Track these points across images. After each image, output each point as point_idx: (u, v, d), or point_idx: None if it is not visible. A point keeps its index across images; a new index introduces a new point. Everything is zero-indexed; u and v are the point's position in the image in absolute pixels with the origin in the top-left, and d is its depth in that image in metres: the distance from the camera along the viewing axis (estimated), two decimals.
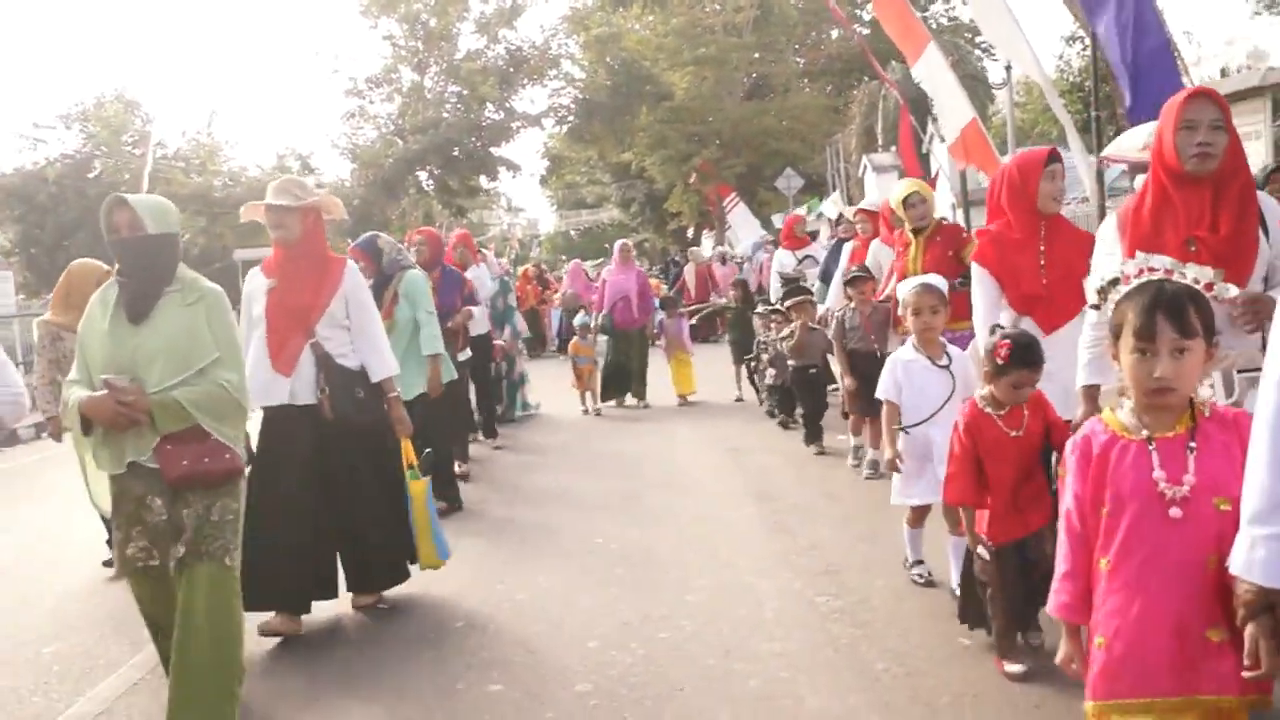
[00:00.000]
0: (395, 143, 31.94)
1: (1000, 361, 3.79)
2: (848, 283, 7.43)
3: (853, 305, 7.31)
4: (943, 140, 12.74)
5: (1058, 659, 2.47)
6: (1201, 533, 2.22)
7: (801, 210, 21.89)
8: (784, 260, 11.47)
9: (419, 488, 5.15)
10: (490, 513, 7.14)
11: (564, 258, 39.73)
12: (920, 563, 4.96)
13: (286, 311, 4.85)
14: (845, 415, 7.80)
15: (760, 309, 10.51)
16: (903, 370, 4.84)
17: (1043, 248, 4.53)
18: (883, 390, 4.89)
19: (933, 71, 11.56)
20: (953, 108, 11.34)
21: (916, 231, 6.67)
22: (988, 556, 3.84)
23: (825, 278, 9.58)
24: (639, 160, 37.96)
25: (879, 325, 7.10)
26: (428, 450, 5.36)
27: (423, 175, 32.66)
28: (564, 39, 34.71)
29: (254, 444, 4.72)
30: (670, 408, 11.70)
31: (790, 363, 8.66)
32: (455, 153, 31.66)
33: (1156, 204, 3.50)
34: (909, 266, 6.59)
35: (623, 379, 11.94)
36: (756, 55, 36.23)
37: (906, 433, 4.76)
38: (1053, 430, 3.94)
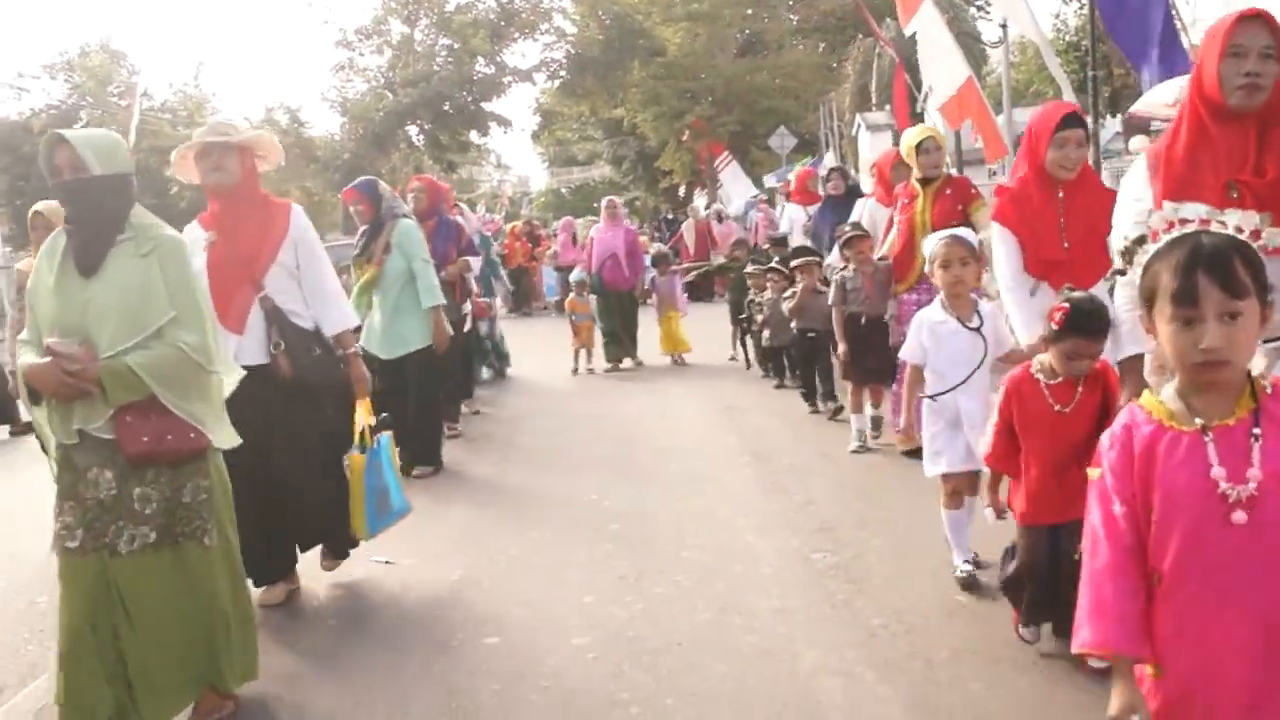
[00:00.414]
0: (385, 96, 31.64)
1: (1055, 327, 3.34)
2: (844, 244, 6.91)
3: (852, 267, 6.83)
4: (931, 94, 12.59)
5: (1112, 711, 1.93)
6: (1275, 538, 1.86)
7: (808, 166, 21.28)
8: (795, 215, 11.10)
9: (357, 461, 4.72)
10: (481, 470, 7.13)
11: (552, 215, 39.51)
12: (967, 560, 4.39)
13: (230, 264, 4.40)
14: (845, 378, 7.25)
15: (750, 268, 10.14)
16: (929, 332, 4.42)
17: (1061, 209, 4.21)
18: (907, 352, 4.52)
19: (928, 28, 11.46)
20: (948, 66, 11.25)
21: (925, 182, 6.33)
22: (991, 520, 3.71)
23: (817, 238, 9.25)
24: (631, 117, 37.69)
25: (880, 286, 6.68)
26: (384, 414, 4.96)
27: (413, 130, 32.41)
28: None
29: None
30: (663, 368, 11.54)
31: (793, 325, 8.27)
32: (446, 107, 31.41)
33: (1192, 142, 3.09)
34: (916, 219, 6.28)
35: (617, 341, 11.64)
36: (750, 11, 35.92)
37: (933, 400, 4.38)
38: (1114, 412, 3.33)
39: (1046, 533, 3.49)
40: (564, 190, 56.60)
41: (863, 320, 6.72)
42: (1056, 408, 3.44)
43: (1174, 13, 8.00)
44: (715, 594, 4.42)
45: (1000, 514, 3.73)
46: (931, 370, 4.42)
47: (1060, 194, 4.24)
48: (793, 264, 8.29)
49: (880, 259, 6.79)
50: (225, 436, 3.54)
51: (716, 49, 35.27)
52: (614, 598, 4.45)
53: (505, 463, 7.31)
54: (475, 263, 8.42)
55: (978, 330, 4.36)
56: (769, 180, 29.93)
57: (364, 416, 4.77)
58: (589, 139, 48.16)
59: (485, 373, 10.67)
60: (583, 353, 11.51)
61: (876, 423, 6.94)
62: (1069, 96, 9.21)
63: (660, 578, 4.65)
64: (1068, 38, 26.25)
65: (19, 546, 5.93)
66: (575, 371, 11.43)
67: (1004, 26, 16.71)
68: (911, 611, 4.08)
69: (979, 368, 4.32)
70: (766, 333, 9.36)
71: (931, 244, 4.54)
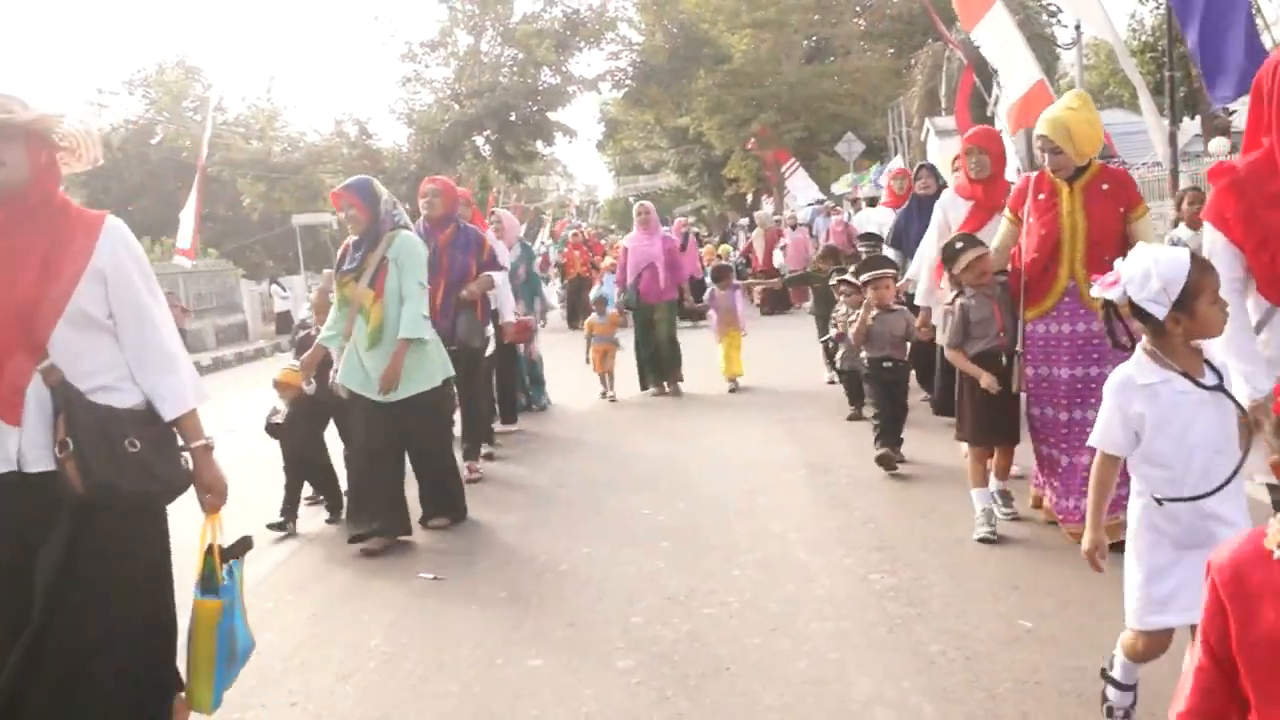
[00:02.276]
0: (451, 107, 31.85)
1: None
2: (951, 260, 5.16)
3: (969, 291, 5.13)
4: (1001, 98, 12.26)
5: None
6: None
7: (897, 164, 19.91)
8: (884, 221, 9.82)
9: (208, 611, 3.07)
10: (534, 484, 7.03)
11: (614, 227, 39.58)
12: None
13: None
14: (963, 438, 5.42)
15: (834, 279, 8.32)
16: (1144, 401, 2.76)
17: None
18: (1104, 437, 2.86)
19: (998, 31, 11.17)
20: (1019, 69, 10.95)
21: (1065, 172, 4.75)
22: None
23: (897, 242, 8.08)
24: (696, 125, 37.68)
25: (1008, 309, 5.06)
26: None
27: (479, 140, 32.59)
28: (621, 1, 34.33)
29: None
30: (715, 392, 10.24)
31: (863, 355, 6.87)
32: (511, 117, 31.51)
33: None
34: (1063, 221, 4.70)
35: (654, 363, 10.36)
36: (816, 17, 35.59)
37: (1159, 503, 2.77)
38: None
39: None
40: (630, 198, 56.81)
41: (1002, 360, 5.05)
42: None
43: (1255, 10, 7.67)
44: (766, 616, 4.26)
45: None
46: (1151, 460, 2.80)
47: None
48: (862, 278, 6.87)
49: (998, 274, 5.20)
50: None
51: (782, 55, 35.08)
52: (662, 618, 4.31)
53: (558, 475, 7.19)
54: (500, 278, 7.35)
55: (1219, 389, 2.75)
56: (837, 187, 29.67)
57: (212, 534, 3.13)
58: (655, 147, 48.29)
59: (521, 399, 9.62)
60: (607, 377, 10.32)
61: (1006, 498, 5.37)
62: (1145, 99, 8.86)
63: (710, 598, 4.50)
64: (1143, 38, 25.63)
65: None
66: (607, 396, 10.27)
67: (1078, 28, 16.34)
68: (973, 637, 3.89)
69: (1247, 452, 2.75)
70: (841, 350, 7.94)
71: (1159, 265, 2.68)
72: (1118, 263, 2.78)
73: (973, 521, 5.04)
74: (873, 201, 18.39)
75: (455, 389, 6.63)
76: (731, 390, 10.22)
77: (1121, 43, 10.46)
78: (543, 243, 26.82)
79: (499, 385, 8.48)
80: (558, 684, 3.76)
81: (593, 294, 10.79)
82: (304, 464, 6.19)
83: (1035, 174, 5.01)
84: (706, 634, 4.12)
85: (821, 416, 8.56)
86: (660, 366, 10.35)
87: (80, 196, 32.44)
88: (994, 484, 5.28)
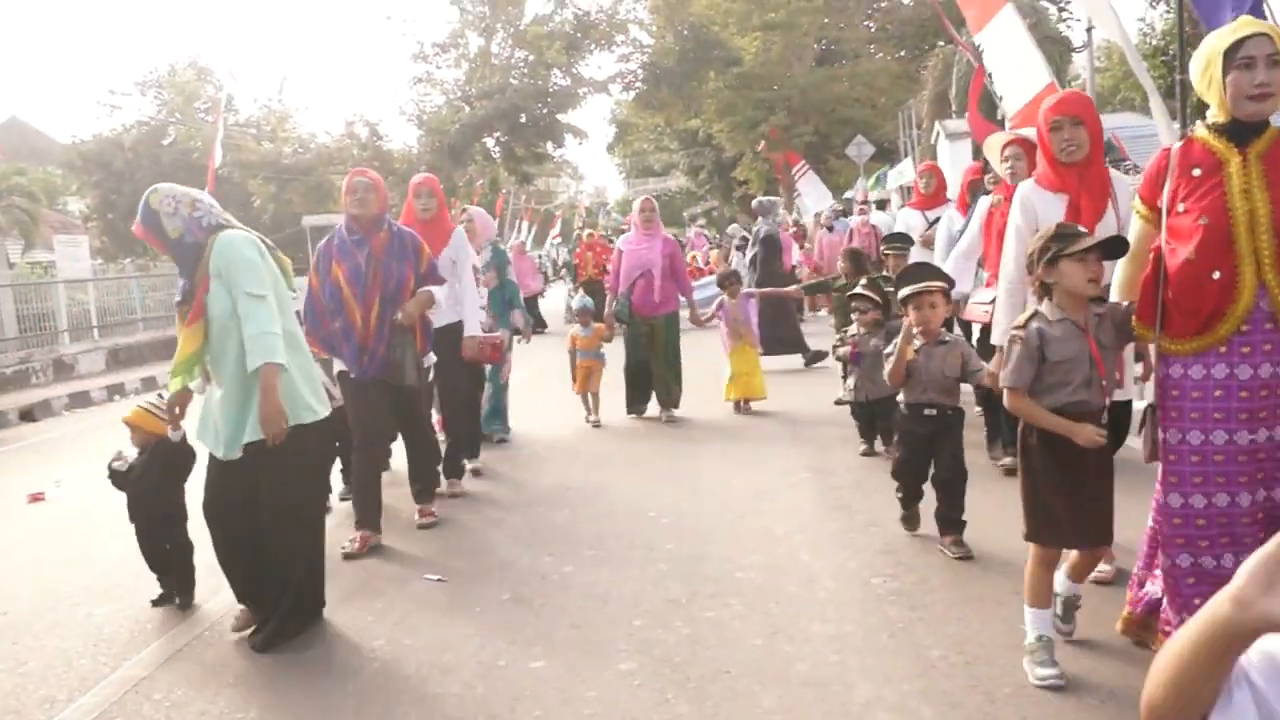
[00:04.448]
0: (462, 109, 31.95)
1: None
2: (1054, 258, 3.39)
3: (1057, 311, 3.43)
4: (1005, 100, 12.20)
5: None
6: None
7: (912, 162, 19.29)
8: (911, 222, 9.06)
9: None
10: (539, 485, 7.05)
11: (624, 226, 39.70)
12: None
13: None
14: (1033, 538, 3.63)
15: (856, 288, 7.05)
16: None
17: None
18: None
19: (1007, 32, 11.15)
20: (1029, 70, 10.94)
21: (1236, 135, 3.23)
22: None
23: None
24: (706, 127, 37.77)
25: (1111, 343, 3.53)
26: None
27: (489, 142, 32.69)
28: (632, 3, 34.42)
29: None
30: (716, 415, 9.10)
31: (901, 400, 5.18)
32: (522, 119, 31.63)
33: None
34: (1234, 202, 3.18)
35: (645, 384, 9.14)
36: (826, 20, 35.69)
37: None
38: None
39: None
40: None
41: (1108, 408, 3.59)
42: None
43: (1267, 11, 7.63)
44: (768, 618, 4.27)
45: None
46: None
47: None
48: (901, 292, 5.08)
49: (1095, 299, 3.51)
50: None
51: (793, 58, 35.14)
52: (664, 621, 4.32)
53: (565, 476, 7.22)
54: (440, 293, 5.87)
55: None
56: (849, 192, 29.64)
57: None
58: (665, 149, 48.38)
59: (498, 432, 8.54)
60: (590, 397, 9.15)
61: (1070, 609, 3.81)
62: (1155, 102, 8.82)
63: (712, 601, 4.51)
64: (1154, 41, 25.56)
65: (80, 555, 6.01)
66: (594, 422, 9.06)
67: (1089, 30, 16.30)
68: (974, 642, 3.89)
69: None
70: (851, 380, 6.93)
71: None
72: None
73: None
74: (881, 205, 18.32)
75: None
76: (739, 410, 9.17)
77: (1132, 45, 10.43)
78: (553, 244, 26.85)
79: (456, 419, 7.14)
80: (560, 685, 3.77)
81: (575, 304, 9.48)
82: (154, 523, 4.95)
83: (1180, 143, 3.44)
84: (708, 636, 4.13)
85: (825, 423, 8.55)
86: (652, 388, 9.15)
87: (92, 198, 32.61)
88: (1061, 583, 3.77)
